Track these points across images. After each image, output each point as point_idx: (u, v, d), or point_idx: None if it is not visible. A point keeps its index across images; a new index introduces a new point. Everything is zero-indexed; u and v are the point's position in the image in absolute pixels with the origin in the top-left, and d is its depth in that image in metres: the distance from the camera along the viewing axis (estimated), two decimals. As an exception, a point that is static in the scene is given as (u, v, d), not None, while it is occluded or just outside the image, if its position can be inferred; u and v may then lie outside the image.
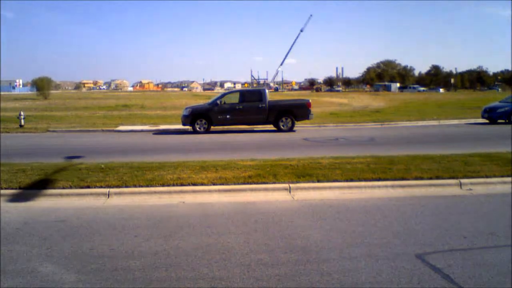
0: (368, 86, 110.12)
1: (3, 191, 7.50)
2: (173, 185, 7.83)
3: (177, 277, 4.32)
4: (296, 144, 14.62)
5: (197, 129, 18.21)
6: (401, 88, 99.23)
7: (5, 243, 5.33)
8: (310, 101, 19.63)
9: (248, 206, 7.03)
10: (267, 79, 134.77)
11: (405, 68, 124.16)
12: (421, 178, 8.14)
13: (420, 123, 22.00)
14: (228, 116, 18.39)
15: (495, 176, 8.28)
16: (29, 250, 5.09)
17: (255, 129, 19.76)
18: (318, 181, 8.03)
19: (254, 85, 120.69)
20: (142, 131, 19.95)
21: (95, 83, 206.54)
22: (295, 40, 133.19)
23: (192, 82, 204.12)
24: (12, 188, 7.65)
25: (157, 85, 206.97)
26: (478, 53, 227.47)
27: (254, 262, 4.65)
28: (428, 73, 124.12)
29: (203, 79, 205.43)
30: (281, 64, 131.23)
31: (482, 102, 27.51)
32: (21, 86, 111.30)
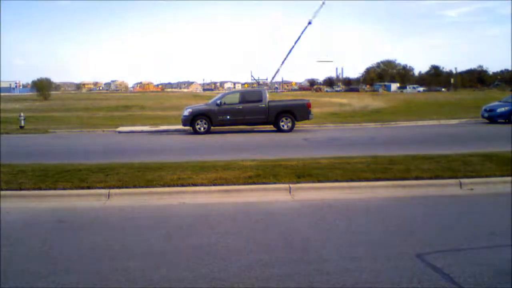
0: (368, 86, 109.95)
1: (3, 192, 7.51)
2: (174, 185, 7.83)
3: (177, 277, 4.32)
4: (296, 144, 14.63)
5: (197, 129, 18.22)
6: (401, 88, 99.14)
7: (5, 243, 5.33)
8: (310, 101, 19.66)
9: (248, 207, 7.03)
10: (267, 79, 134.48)
11: (405, 68, 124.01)
12: (421, 178, 8.13)
13: (420, 123, 21.98)
14: (228, 117, 18.40)
15: (495, 175, 8.27)
16: (29, 251, 5.10)
17: (255, 129, 19.76)
18: (319, 181, 8.03)
19: (254, 85, 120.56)
20: (142, 131, 19.97)
21: (95, 84, 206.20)
22: (301, 34, 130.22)
23: (192, 82, 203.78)
24: (12, 189, 7.65)
25: (157, 85, 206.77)
26: (478, 53, 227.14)
27: (254, 262, 4.65)
28: (428, 73, 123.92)
29: (203, 80, 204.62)
30: (282, 63, 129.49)
31: (482, 102, 27.49)
32: (21, 87, 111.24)
